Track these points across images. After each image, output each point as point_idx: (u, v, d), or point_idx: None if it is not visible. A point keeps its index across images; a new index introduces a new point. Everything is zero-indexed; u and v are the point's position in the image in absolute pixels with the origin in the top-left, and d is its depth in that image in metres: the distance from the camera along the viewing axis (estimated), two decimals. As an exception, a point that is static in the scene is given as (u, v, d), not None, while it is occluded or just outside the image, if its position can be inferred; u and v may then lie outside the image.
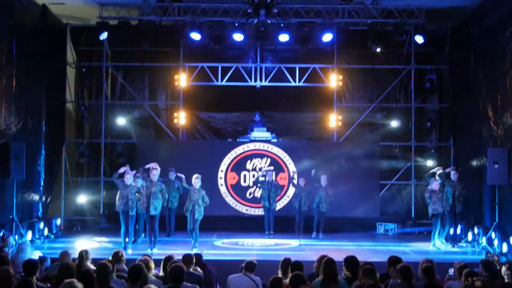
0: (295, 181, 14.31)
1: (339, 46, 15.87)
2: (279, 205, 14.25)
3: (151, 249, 11.21)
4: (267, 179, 14.01)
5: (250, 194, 14.83)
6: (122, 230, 11.33)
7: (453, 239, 12.57)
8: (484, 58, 13.22)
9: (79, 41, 16.07)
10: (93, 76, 16.31)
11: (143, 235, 12.78)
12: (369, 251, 11.74)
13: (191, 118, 16.42)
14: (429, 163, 15.55)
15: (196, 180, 11.72)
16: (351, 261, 6.63)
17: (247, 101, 16.32)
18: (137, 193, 11.27)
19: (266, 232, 13.71)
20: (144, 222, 12.10)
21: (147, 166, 12.11)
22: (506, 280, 6.59)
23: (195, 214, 11.59)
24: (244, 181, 14.89)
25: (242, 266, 6.97)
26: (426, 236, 14.25)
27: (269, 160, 14.93)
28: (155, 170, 11.58)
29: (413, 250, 11.94)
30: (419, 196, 16.01)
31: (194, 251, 10.73)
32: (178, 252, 8.31)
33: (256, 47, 15.88)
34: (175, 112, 15.94)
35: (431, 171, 13.05)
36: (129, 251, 11.02)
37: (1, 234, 10.74)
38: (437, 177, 12.51)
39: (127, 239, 11.39)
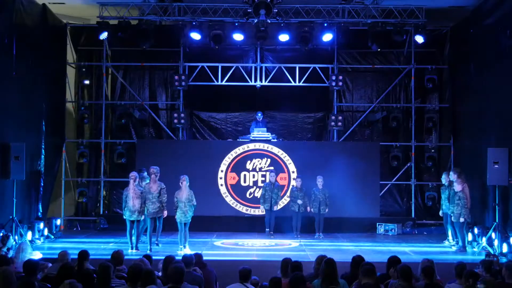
0: (293, 183, 14.28)
1: (339, 46, 15.86)
2: (279, 205, 14.20)
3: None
4: (268, 180, 14.00)
5: (250, 194, 14.80)
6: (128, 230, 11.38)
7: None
8: (484, 58, 13.21)
9: (79, 41, 16.06)
10: (93, 76, 16.31)
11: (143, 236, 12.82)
12: (369, 251, 11.71)
13: (191, 118, 16.43)
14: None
15: (184, 180, 11.27)
16: (358, 260, 6.68)
17: (247, 101, 16.37)
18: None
19: (267, 230, 13.69)
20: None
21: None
22: (506, 281, 6.57)
23: (185, 215, 11.18)
24: (244, 181, 14.86)
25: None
26: (426, 236, 14.29)
27: (269, 160, 14.90)
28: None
29: (413, 250, 11.92)
30: (419, 196, 16.04)
31: (184, 251, 10.73)
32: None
33: (256, 47, 15.90)
34: (175, 112, 15.93)
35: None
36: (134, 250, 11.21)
37: (1, 235, 10.74)
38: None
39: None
